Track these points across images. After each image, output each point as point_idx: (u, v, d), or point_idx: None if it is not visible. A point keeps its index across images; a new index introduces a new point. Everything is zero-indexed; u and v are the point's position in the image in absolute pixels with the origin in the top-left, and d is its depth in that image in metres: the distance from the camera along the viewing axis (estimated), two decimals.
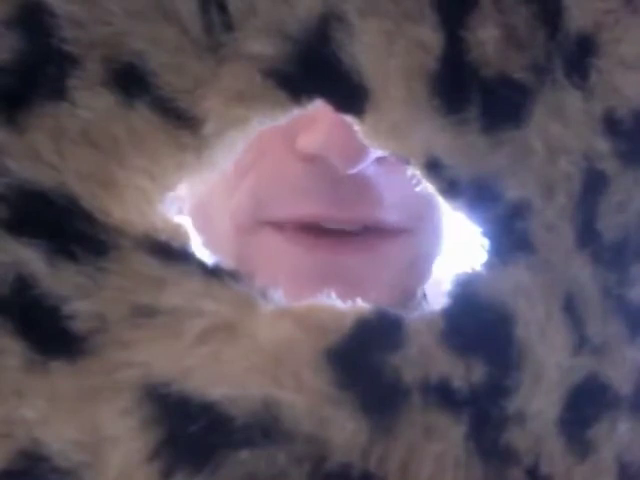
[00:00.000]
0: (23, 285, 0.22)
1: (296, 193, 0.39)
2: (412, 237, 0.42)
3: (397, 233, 0.41)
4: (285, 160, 0.39)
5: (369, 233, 0.40)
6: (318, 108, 0.25)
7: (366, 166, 0.38)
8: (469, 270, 0.25)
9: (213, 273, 0.24)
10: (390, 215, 0.40)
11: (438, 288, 0.46)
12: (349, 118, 0.25)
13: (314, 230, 0.39)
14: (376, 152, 0.38)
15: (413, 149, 0.25)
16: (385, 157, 0.39)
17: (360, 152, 0.37)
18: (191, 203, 0.42)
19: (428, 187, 0.26)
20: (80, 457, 0.22)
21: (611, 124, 0.25)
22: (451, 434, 0.24)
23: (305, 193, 0.39)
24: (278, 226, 0.40)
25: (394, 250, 0.41)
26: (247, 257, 0.40)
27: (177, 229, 0.24)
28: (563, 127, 0.25)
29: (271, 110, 0.24)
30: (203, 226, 0.41)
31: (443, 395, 0.24)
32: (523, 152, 0.25)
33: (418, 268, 0.44)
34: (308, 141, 0.38)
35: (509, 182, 0.25)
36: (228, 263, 0.25)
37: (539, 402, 0.25)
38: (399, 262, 0.41)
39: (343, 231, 0.40)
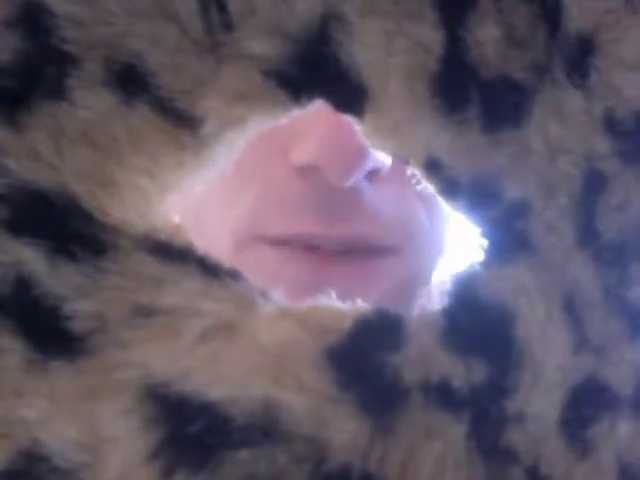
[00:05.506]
0: (23, 285, 0.22)
1: (288, 210, 0.39)
2: (401, 257, 0.41)
3: (386, 252, 0.41)
4: (280, 174, 0.39)
5: (356, 253, 0.40)
6: (315, 111, 0.25)
7: (359, 181, 0.38)
8: (469, 270, 0.25)
9: (213, 273, 0.24)
10: (382, 232, 0.40)
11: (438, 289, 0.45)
12: (347, 119, 0.25)
13: (303, 248, 0.39)
14: (369, 164, 0.37)
15: (413, 149, 0.25)
16: (377, 172, 0.39)
17: (354, 162, 0.36)
18: (184, 203, 0.42)
19: (428, 187, 0.26)
20: (80, 457, 0.22)
21: (611, 124, 0.25)
22: (451, 434, 0.24)
23: (297, 210, 0.39)
24: (273, 243, 0.40)
25: (381, 271, 0.40)
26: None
27: (177, 229, 0.24)
28: (563, 127, 0.25)
29: (271, 110, 0.25)
30: (195, 230, 0.41)
31: (443, 395, 0.24)
32: (523, 152, 0.25)
33: (405, 289, 0.42)
34: (300, 153, 0.37)
35: (509, 182, 0.25)
36: None
37: (539, 402, 0.24)
38: (385, 283, 0.41)
39: (330, 250, 0.39)
